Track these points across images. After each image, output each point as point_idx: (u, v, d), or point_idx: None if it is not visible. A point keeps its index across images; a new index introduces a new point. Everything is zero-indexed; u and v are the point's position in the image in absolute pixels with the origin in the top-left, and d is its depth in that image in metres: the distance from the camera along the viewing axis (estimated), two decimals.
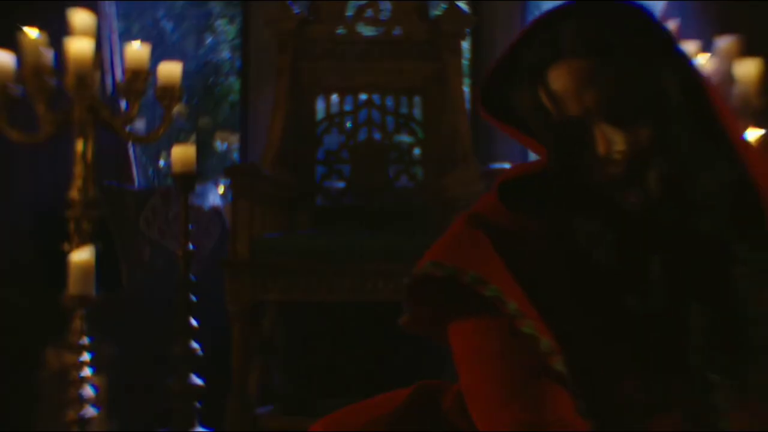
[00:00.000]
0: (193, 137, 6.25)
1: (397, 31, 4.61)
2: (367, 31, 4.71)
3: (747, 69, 4.11)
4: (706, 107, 1.31)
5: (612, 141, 1.29)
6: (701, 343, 1.26)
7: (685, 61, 1.33)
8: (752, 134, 3.98)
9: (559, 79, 1.32)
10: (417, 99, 4.60)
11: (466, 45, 4.93)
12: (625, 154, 1.29)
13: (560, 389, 1.26)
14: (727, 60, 4.18)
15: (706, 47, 4.27)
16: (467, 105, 4.55)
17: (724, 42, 4.22)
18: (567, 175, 1.35)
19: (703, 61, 4.20)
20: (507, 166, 3.86)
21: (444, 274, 1.35)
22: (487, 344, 1.35)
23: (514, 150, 5.20)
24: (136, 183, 5.23)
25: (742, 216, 1.29)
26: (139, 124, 5.28)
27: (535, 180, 1.41)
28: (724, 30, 4.36)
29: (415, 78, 4.54)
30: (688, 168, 1.30)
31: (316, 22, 4.59)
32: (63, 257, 4.13)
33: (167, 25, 6.36)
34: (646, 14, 1.32)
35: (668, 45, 1.32)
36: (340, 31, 4.62)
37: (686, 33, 4.29)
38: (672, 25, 4.25)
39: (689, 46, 4.10)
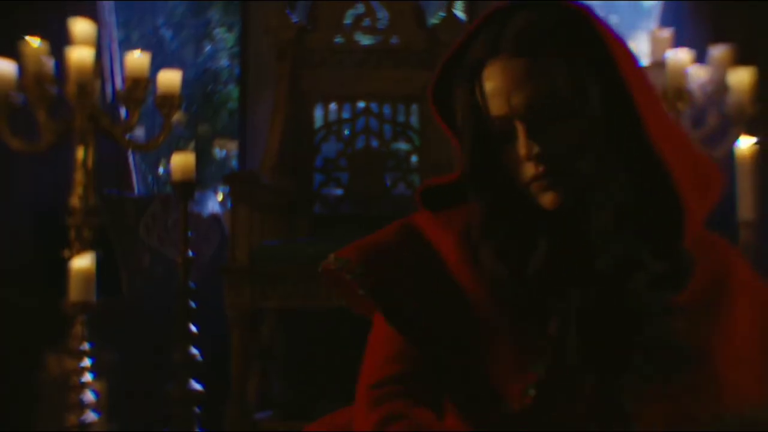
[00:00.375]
0: (192, 145, 6.26)
1: (394, 39, 4.64)
2: (364, 39, 4.75)
3: (740, 77, 4.15)
4: (630, 117, 1.30)
5: (533, 143, 1.30)
6: (593, 340, 1.28)
7: (621, 69, 1.30)
8: (745, 142, 4.04)
9: (492, 76, 1.33)
10: (414, 107, 4.62)
11: None
12: (543, 158, 1.30)
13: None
14: (721, 68, 4.22)
15: (701, 56, 4.30)
16: None
17: (718, 51, 4.25)
18: (485, 177, 1.36)
19: (697, 69, 4.24)
20: None
21: (336, 267, 1.42)
22: (372, 337, 1.45)
23: None
24: (136, 190, 5.25)
25: (651, 224, 1.30)
26: (139, 132, 5.31)
27: (457, 186, 1.44)
28: (718, 38, 4.40)
29: (412, 86, 4.54)
30: (595, 177, 1.30)
31: (315, 30, 4.62)
32: (63, 262, 4.14)
33: (166, 33, 6.38)
34: (590, 19, 1.32)
35: (602, 51, 1.31)
36: (338, 39, 4.65)
37: (681, 41, 4.33)
38: (666, 33, 4.29)
39: (683, 54, 4.14)
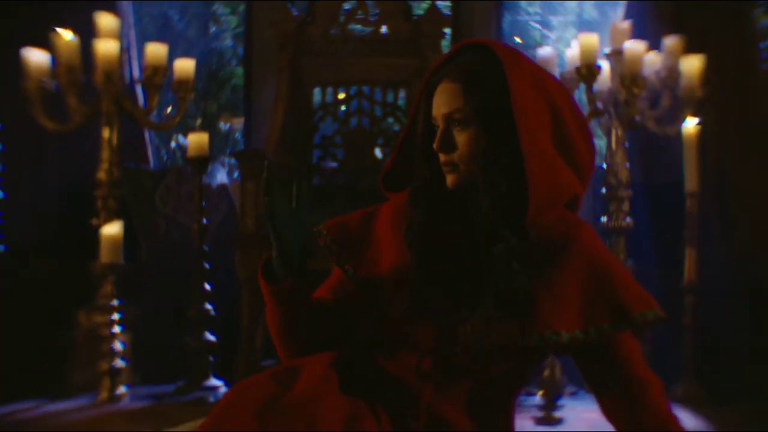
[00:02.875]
0: (200, 121, 6.50)
1: (384, 30, 4.98)
2: (358, 30, 5.07)
3: (691, 64, 4.52)
4: (513, 135, 1.75)
5: (442, 140, 1.79)
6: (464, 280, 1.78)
7: (516, 101, 1.75)
8: (691, 122, 4.42)
9: (437, 91, 1.83)
10: (401, 90, 4.95)
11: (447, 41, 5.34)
12: (446, 151, 1.79)
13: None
14: (674, 57, 4.58)
15: (656, 46, 4.63)
16: None
17: (671, 41, 4.60)
18: (425, 162, 1.85)
19: (653, 57, 4.61)
20: None
21: (317, 233, 1.93)
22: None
23: None
24: (152, 164, 5.57)
25: (513, 209, 1.75)
26: None
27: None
28: (676, 30, 4.72)
29: (400, 72, 4.88)
30: (483, 171, 1.77)
31: (313, 23, 4.96)
32: (88, 231, 4.56)
33: (174, 15, 6.53)
34: (508, 65, 1.77)
35: (505, 87, 1.75)
36: (334, 31, 4.98)
37: (641, 33, 4.67)
38: (625, 25, 4.64)
39: (638, 45, 4.50)
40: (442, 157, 1.80)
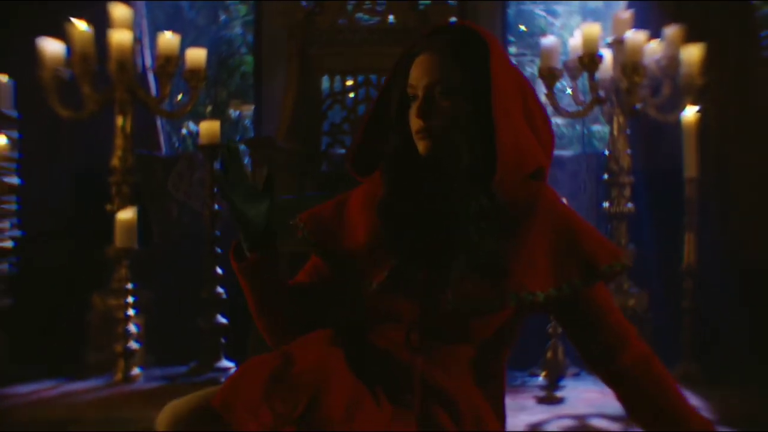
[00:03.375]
0: (210, 108, 6.61)
1: (391, 20, 5.06)
2: (365, 19, 5.15)
3: (691, 53, 4.61)
4: (487, 108, 1.84)
5: (421, 108, 1.87)
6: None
7: (493, 76, 1.85)
8: (690, 110, 4.49)
9: (416, 62, 1.90)
10: None
11: None
12: (424, 118, 1.86)
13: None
14: (675, 46, 4.66)
15: (657, 35, 4.72)
16: None
17: (672, 30, 4.68)
18: (398, 130, 1.93)
19: (654, 46, 4.70)
20: None
21: (294, 224, 2.03)
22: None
23: None
24: (163, 150, 5.67)
25: (485, 175, 1.84)
26: None
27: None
28: (678, 18, 4.79)
29: None
30: (459, 139, 1.87)
31: (321, 13, 5.04)
32: (101, 217, 4.67)
33: (184, 4, 6.64)
34: (487, 43, 1.87)
35: (485, 63, 1.85)
36: (342, 20, 5.07)
37: (643, 22, 4.77)
38: (627, 15, 4.74)
39: (640, 35, 4.60)
40: (418, 123, 1.87)
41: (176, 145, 6.39)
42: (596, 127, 6.26)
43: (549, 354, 4.29)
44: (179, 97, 6.04)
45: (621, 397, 1.95)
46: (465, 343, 1.88)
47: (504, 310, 1.84)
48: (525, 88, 1.94)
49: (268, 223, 1.92)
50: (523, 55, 7.04)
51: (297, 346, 1.84)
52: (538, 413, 3.76)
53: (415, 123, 1.88)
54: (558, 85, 4.78)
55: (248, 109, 6.68)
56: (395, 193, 1.92)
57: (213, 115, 6.35)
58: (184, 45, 4.87)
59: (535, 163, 1.90)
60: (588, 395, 4.03)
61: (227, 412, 1.68)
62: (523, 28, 6.99)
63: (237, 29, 6.98)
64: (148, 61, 5.52)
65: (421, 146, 1.88)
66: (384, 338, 1.92)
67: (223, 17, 6.97)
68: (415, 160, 1.91)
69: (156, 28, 5.74)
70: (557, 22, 6.98)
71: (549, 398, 4.00)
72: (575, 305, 1.89)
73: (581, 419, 3.67)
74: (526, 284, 1.83)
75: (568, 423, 3.62)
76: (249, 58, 6.63)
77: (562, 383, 4.21)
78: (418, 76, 1.89)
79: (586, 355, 1.95)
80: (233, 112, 6.95)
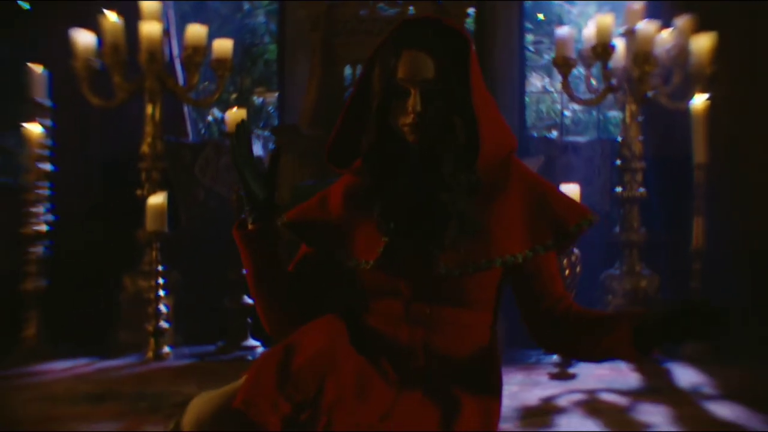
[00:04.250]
0: (235, 95, 6.73)
1: (411, 10, 5.17)
2: (386, 10, 5.26)
3: (701, 43, 4.73)
4: (468, 99, 1.93)
5: (417, 102, 1.93)
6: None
7: (472, 73, 1.94)
8: (699, 98, 4.60)
9: (407, 57, 1.96)
10: None
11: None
12: (417, 111, 1.93)
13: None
14: (685, 35, 4.79)
15: (668, 25, 4.85)
16: None
17: (682, 20, 4.81)
18: (382, 128, 2.01)
19: (665, 35, 4.83)
20: None
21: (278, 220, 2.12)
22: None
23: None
24: (190, 137, 5.82)
25: (468, 157, 1.95)
26: None
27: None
28: (686, 9, 4.89)
29: None
30: (446, 130, 1.97)
31: (343, 4, 5.17)
32: (131, 201, 4.85)
33: None
34: (467, 41, 1.95)
35: (467, 62, 1.94)
36: (363, 11, 5.19)
37: (654, 12, 4.88)
38: (639, 6, 4.85)
39: (651, 25, 4.74)
40: (411, 117, 1.96)
41: (202, 131, 6.53)
42: (612, 113, 6.40)
43: None
44: (204, 84, 6.17)
45: (563, 337, 2.04)
46: (460, 307, 2.00)
47: (490, 269, 1.97)
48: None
49: (270, 196, 2.01)
50: (540, 42, 7.18)
51: (300, 334, 1.90)
52: (551, 388, 3.91)
53: (407, 116, 1.97)
54: (574, 71, 4.91)
55: (272, 96, 6.83)
56: (380, 178, 2.02)
57: (237, 103, 6.47)
58: (210, 34, 5.00)
59: (509, 147, 2.05)
60: (599, 372, 4.19)
61: (250, 409, 1.77)
62: (540, 16, 7.13)
63: (260, 18, 7.15)
64: (175, 51, 5.65)
65: (411, 137, 1.98)
66: (383, 314, 2.02)
67: (246, 6, 7.13)
68: (395, 147, 2.01)
69: (182, 18, 5.93)
70: (574, 10, 7.12)
71: (562, 374, 4.15)
72: (537, 271, 2.02)
73: (591, 393, 3.82)
74: (509, 248, 1.97)
75: (579, 397, 3.76)
76: (272, 47, 6.78)
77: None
78: (410, 71, 1.96)
79: (535, 323, 2.05)
80: (257, 99, 7.14)
